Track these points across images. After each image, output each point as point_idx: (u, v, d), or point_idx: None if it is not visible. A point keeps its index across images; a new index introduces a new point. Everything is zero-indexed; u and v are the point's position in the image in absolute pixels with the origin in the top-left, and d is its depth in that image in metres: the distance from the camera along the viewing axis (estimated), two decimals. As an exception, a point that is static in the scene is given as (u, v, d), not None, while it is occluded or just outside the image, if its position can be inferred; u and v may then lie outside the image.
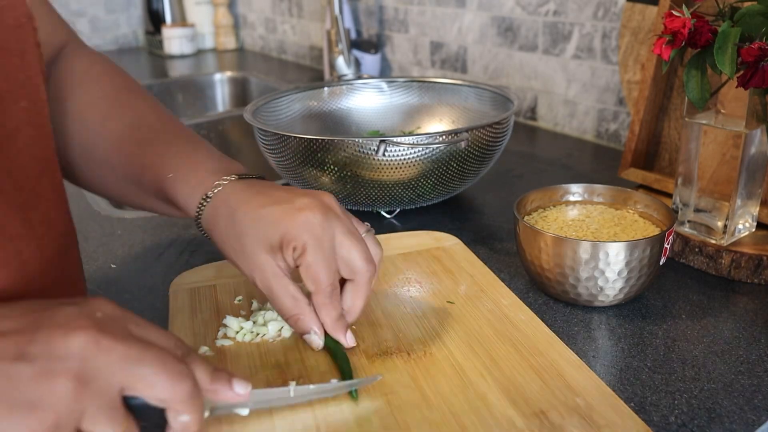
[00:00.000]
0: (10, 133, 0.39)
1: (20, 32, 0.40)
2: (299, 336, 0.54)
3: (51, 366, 0.32)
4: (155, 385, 0.34)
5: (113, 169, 0.56)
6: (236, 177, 0.53)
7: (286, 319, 0.52)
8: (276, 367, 0.52)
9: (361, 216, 0.84)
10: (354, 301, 0.53)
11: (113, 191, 0.58)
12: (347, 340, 0.53)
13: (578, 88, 1.16)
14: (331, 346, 0.53)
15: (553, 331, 0.57)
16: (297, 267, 0.51)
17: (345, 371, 0.50)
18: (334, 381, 0.49)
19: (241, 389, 0.39)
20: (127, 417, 0.35)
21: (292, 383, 0.48)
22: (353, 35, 1.62)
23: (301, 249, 0.49)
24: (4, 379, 0.31)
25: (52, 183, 0.45)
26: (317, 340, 0.53)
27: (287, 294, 0.51)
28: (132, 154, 0.54)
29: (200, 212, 0.52)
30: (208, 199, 0.51)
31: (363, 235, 0.54)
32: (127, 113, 0.57)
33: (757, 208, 0.70)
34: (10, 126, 0.39)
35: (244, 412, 0.43)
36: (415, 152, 0.75)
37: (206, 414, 0.39)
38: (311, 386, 0.47)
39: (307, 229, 0.49)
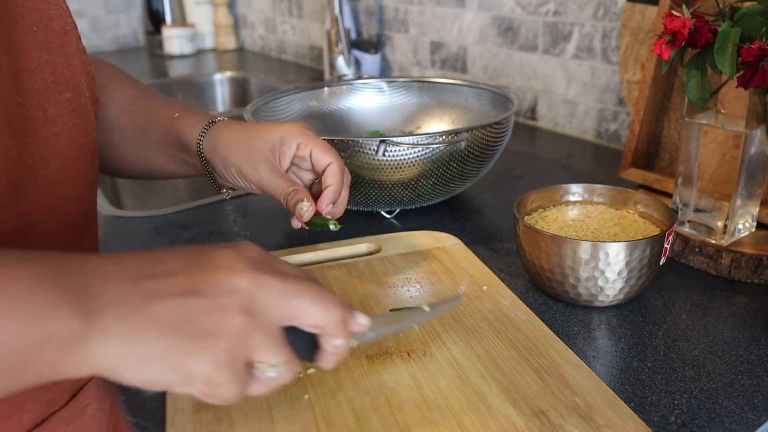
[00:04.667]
0: (52, 117, 0.45)
1: (66, 37, 0.46)
2: (291, 209, 0.58)
3: (222, 301, 0.35)
4: (312, 313, 0.38)
5: (121, 131, 0.64)
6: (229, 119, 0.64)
7: (285, 197, 0.58)
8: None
9: (361, 216, 0.84)
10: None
11: (119, 157, 0.65)
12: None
13: (578, 88, 1.16)
14: (318, 223, 0.58)
15: (553, 331, 0.57)
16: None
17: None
18: (425, 306, 0.49)
19: (362, 320, 0.42)
20: (287, 347, 0.38)
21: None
22: (353, 35, 1.62)
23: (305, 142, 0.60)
24: (180, 310, 0.34)
25: (92, 165, 0.50)
26: (307, 208, 0.57)
27: (284, 177, 0.59)
28: (138, 109, 0.64)
29: (202, 136, 0.62)
30: (212, 124, 0.63)
31: None
32: (130, 87, 0.67)
33: (757, 208, 0.70)
34: (53, 112, 0.45)
35: (371, 335, 0.47)
36: (415, 152, 0.75)
37: (354, 343, 0.43)
38: (410, 311, 0.50)
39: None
